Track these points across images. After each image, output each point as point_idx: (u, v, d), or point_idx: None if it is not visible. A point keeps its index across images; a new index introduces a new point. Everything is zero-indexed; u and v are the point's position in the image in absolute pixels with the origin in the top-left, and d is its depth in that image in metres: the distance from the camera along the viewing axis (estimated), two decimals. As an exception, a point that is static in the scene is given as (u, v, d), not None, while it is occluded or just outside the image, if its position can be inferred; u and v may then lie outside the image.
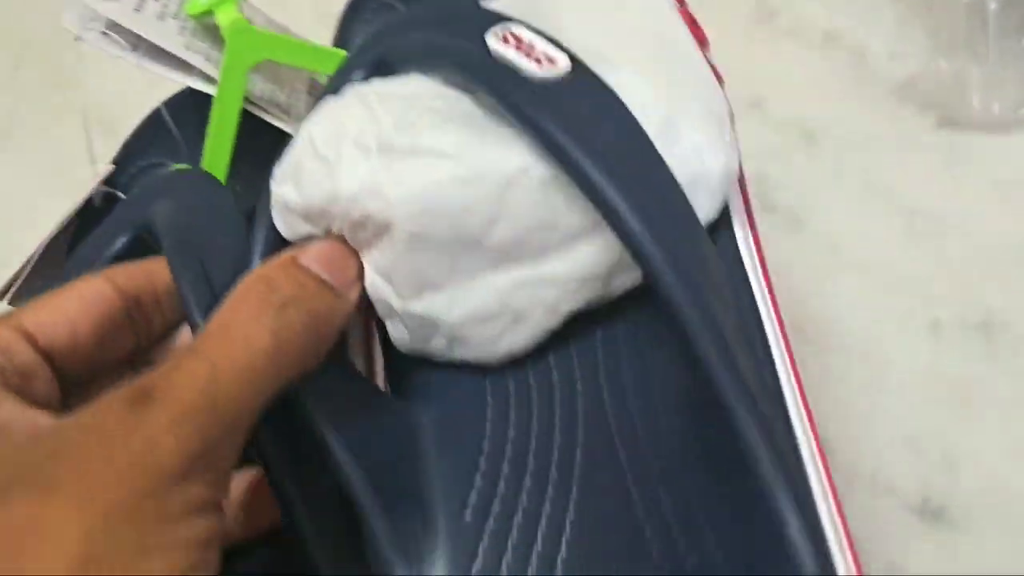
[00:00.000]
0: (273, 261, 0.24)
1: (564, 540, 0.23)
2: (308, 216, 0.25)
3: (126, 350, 0.26)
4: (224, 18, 0.30)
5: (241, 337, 0.21)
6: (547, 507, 0.24)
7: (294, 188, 0.25)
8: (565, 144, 0.24)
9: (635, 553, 0.23)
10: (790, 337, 0.36)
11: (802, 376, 0.34)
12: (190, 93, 0.33)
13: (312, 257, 0.24)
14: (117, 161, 0.36)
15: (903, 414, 0.36)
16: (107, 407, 0.20)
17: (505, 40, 0.26)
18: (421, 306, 0.25)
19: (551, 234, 0.25)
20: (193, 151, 0.33)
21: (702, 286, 0.23)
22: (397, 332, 0.26)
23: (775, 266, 0.38)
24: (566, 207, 0.25)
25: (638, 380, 0.26)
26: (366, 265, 0.25)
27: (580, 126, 0.24)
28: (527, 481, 0.24)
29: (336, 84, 0.28)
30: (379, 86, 0.27)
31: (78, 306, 0.25)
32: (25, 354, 0.24)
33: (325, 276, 0.24)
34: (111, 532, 0.18)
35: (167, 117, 0.34)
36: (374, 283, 0.25)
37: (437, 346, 0.26)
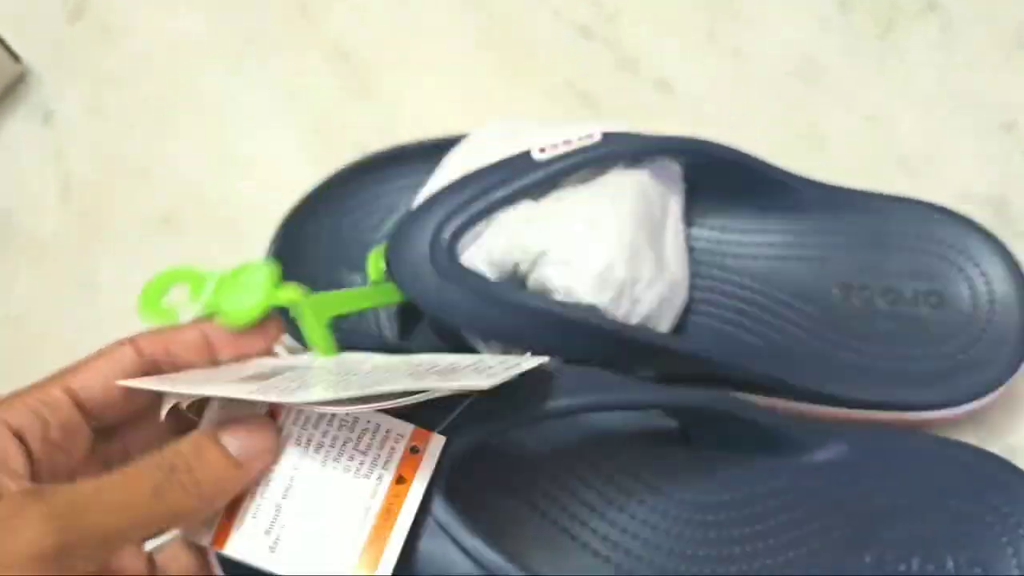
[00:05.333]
0: (192, 437, 0.28)
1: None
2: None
3: (147, 403, 0.30)
4: (292, 294, 0.31)
5: (132, 478, 0.25)
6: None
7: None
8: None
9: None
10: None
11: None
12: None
13: (231, 433, 0.28)
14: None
15: None
16: (13, 491, 0.24)
17: None
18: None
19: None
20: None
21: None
22: None
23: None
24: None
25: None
26: None
27: None
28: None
29: None
30: None
31: (110, 366, 0.29)
32: (68, 412, 0.28)
33: (234, 450, 0.27)
34: None
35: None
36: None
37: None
